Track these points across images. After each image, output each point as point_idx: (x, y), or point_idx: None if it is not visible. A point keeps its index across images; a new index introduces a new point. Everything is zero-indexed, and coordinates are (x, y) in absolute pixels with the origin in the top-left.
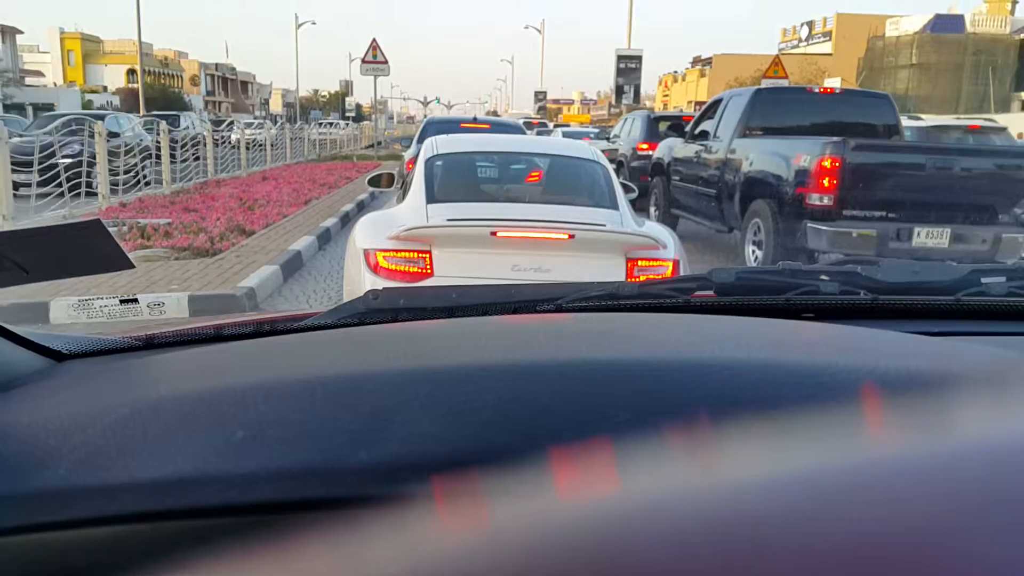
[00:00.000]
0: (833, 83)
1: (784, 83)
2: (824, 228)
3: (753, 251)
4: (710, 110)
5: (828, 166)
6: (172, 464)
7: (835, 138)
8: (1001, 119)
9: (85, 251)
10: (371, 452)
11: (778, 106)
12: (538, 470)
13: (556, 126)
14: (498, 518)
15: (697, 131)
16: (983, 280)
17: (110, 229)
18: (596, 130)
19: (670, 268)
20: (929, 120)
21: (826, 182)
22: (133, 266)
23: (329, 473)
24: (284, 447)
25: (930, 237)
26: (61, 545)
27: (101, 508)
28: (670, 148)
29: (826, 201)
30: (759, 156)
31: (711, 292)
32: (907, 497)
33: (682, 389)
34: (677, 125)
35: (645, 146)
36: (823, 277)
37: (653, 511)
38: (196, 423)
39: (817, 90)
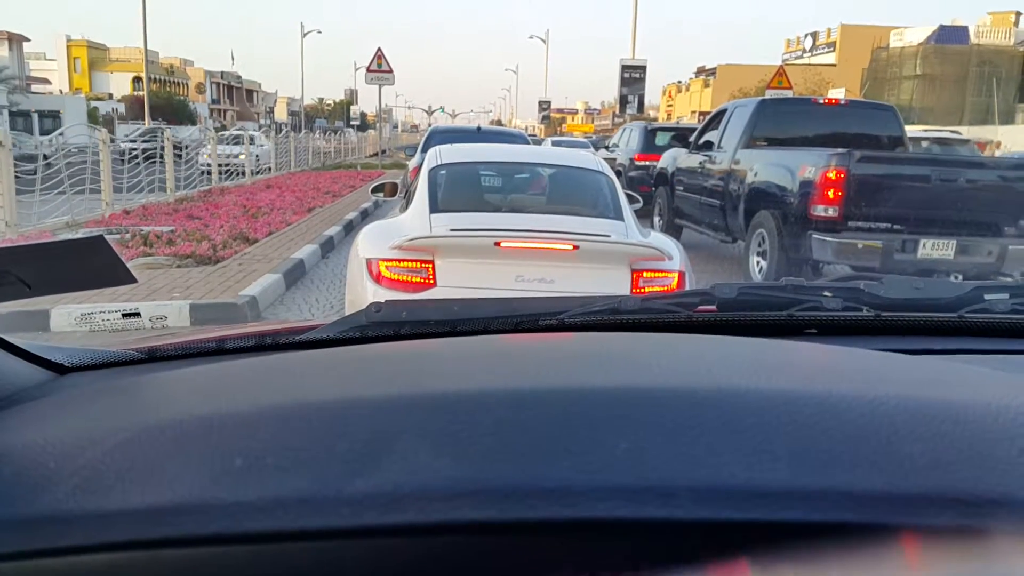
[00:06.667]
0: (837, 94)
1: (788, 94)
2: (829, 239)
3: (757, 262)
4: (714, 121)
5: (833, 178)
6: (171, 491)
7: (840, 150)
8: (1005, 131)
9: (88, 266)
10: (367, 482)
11: (782, 117)
12: (533, 503)
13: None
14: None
15: (701, 141)
16: (986, 297)
17: (113, 236)
18: (593, 139)
19: (675, 279)
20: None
21: (831, 193)
22: (136, 280)
23: (324, 503)
24: (280, 475)
25: (936, 249)
26: (56, 572)
27: (98, 535)
28: (674, 158)
29: (831, 212)
30: (764, 167)
31: (713, 307)
32: None
33: (681, 419)
34: (681, 135)
35: (643, 157)
36: (826, 293)
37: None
38: (195, 449)
39: (822, 101)
